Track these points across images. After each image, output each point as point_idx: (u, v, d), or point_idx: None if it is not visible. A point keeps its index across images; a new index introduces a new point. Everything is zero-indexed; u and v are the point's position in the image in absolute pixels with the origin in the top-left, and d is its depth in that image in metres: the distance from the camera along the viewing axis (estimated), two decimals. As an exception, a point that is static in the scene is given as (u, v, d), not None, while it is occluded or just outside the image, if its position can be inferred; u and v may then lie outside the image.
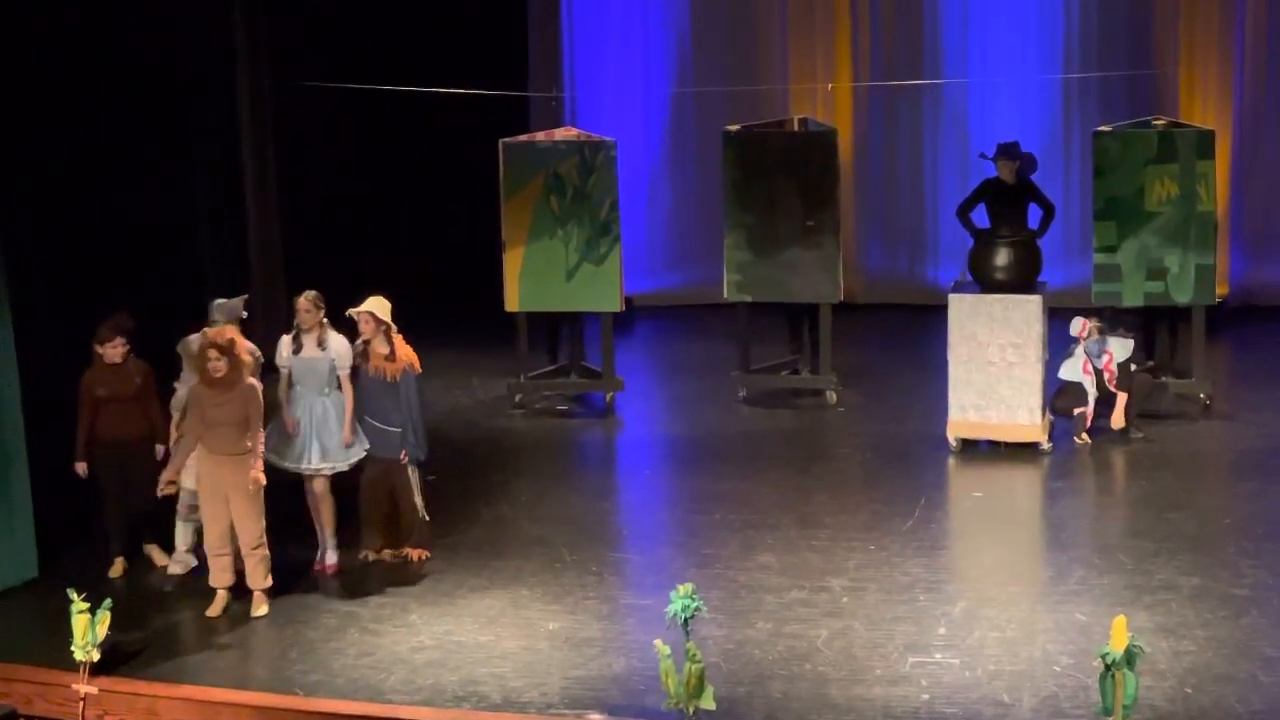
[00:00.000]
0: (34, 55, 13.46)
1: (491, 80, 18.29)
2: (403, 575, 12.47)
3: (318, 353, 12.30)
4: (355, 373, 12.39)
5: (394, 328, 12.40)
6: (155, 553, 12.73)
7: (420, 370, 12.55)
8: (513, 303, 16.43)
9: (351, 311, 12.38)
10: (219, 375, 11.65)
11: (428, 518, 12.69)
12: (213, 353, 11.63)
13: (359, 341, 12.42)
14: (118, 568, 12.50)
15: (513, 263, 16.32)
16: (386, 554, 12.74)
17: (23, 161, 13.02)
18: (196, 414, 11.82)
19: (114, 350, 12.24)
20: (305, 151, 18.31)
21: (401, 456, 12.49)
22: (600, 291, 16.29)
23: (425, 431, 12.63)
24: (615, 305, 16.37)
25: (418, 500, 12.63)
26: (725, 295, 16.61)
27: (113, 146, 14.65)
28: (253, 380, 11.86)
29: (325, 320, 12.39)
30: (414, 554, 12.69)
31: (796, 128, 16.88)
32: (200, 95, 16.03)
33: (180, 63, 15.72)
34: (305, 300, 12.40)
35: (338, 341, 12.39)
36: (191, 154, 15.93)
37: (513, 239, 16.29)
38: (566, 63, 20.85)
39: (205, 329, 12.18)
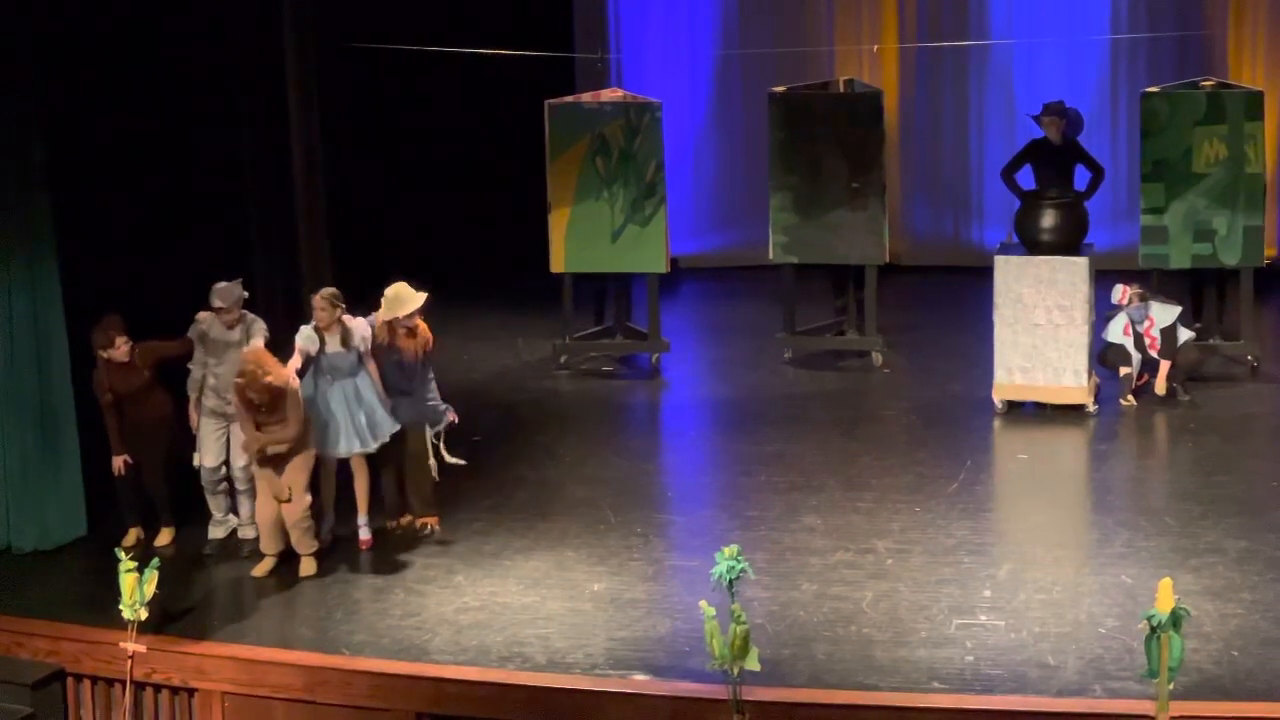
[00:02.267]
0: (72, 21, 13.42)
1: (537, 42, 18.24)
2: (447, 537, 12.46)
3: (341, 349, 12.23)
4: (375, 350, 12.37)
5: (416, 318, 12.35)
6: (165, 533, 12.67)
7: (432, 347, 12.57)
8: (558, 264, 16.40)
9: (376, 315, 12.33)
10: (263, 401, 11.71)
11: (437, 478, 12.61)
12: (254, 393, 11.68)
13: (389, 337, 12.33)
14: (131, 537, 12.47)
15: (558, 224, 16.29)
16: (404, 521, 12.69)
17: (67, 128, 13.00)
18: (248, 423, 11.86)
19: (119, 352, 12.18)
20: (350, 114, 18.27)
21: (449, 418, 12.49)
22: (646, 253, 16.24)
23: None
24: (661, 267, 16.32)
25: (432, 462, 12.55)
26: (771, 257, 16.54)
27: (154, 108, 14.63)
28: (289, 376, 11.88)
29: (343, 317, 12.25)
30: (426, 521, 12.58)
31: (842, 89, 16.79)
32: (246, 57, 15.97)
33: (225, 25, 15.66)
34: (321, 300, 12.23)
35: (359, 328, 12.29)
36: (237, 118, 15.87)
37: (558, 200, 16.26)
38: (612, 24, 20.76)
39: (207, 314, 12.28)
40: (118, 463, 12.38)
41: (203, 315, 12.37)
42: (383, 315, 12.29)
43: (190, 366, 12.42)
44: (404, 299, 12.27)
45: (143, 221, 14.22)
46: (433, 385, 12.63)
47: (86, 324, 12.28)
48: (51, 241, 12.41)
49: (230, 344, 12.28)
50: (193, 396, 12.44)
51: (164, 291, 13.19)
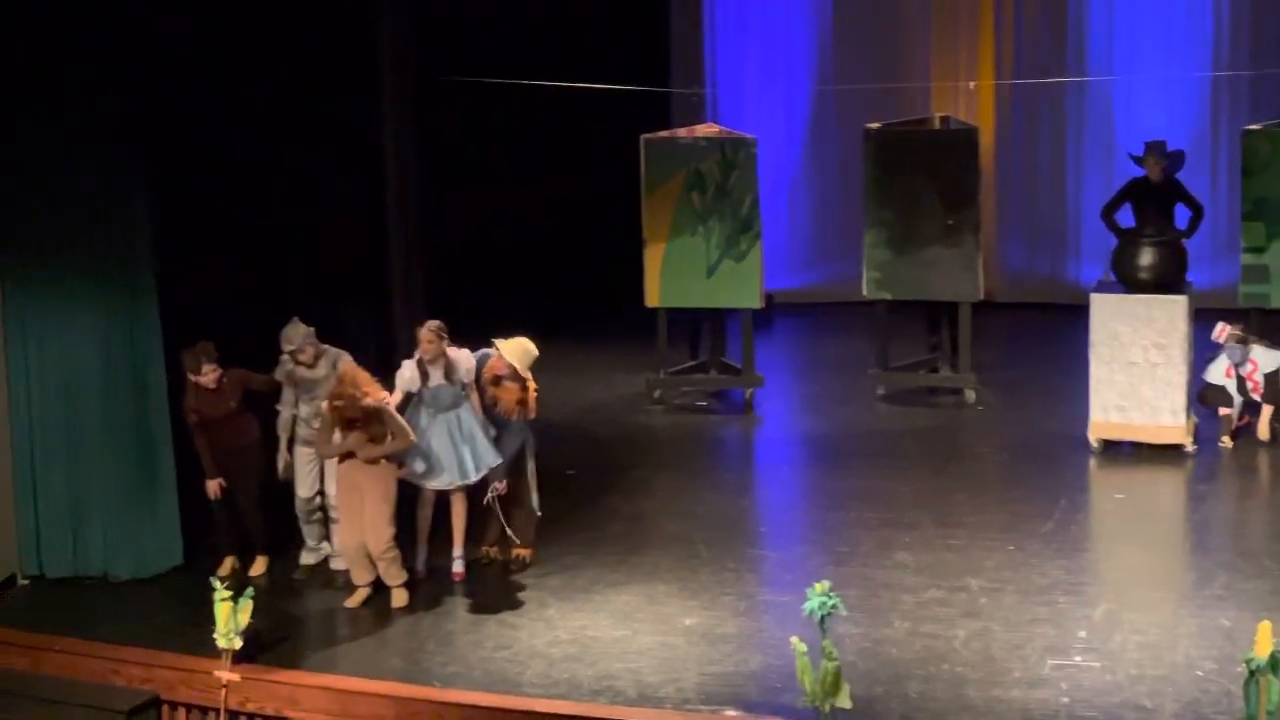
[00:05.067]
0: (169, 47, 13.52)
1: (634, 76, 18.28)
2: (540, 571, 12.47)
3: (445, 382, 12.23)
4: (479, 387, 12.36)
5: (530, 380, 12.28)
6: (259, 562, 12.71)
7: (535, 416, 12.51)
8: (653, 298, 16.41)
9: (497, 343, 12.28)
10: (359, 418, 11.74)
11: (540, 513, 12.66)
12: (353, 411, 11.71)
13: (491, 375, 12.30)
14: (226, 566, 12.53)
15: (654, 259, 16.30)
16: (496, 551, 12.71)
17: (165, 163, 13.13)
18: (326, 437, 11.89)
19: (207, 379, 12.22)
20: (447, 147, 18.37)
21: (498, 488, 12.46)
22: (740, 288, 16.23)
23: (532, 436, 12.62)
24: (755, 302, 16.30)
25: (534, 498, 12.60)
26: (865, 293, 16.51)
27: (253, 141, 14.74)
28: (383, 397, 11.86)
29: (446, 350, 12.26)
30: (520, 553, 12.63)
31: (938, 126, 16.75)
32: (342, 91, 16.09)
33: (323, 58, 15.78)
34: (428, 332, 12.22)
35: (463, 361, 12.29)
36: (334, 150, 15.99)
37: (654, 235, 16.27)
38: (708, 59, 20.81)
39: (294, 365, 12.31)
40: (212, 486, 12.42)
41: (286, 356, 12.42)
42: (509, 355, 12.20)
43: (279, 408, 12.48)
44: (527, 357, 12.27)
45: (239, 256, 14.34)
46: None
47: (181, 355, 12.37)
48: (151, 274, 12.51)
49: (317, 380, 12.33)
50: (283, 437, 12.47)
51: (258, 323, 13.26)
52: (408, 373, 12.27)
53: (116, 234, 12.37)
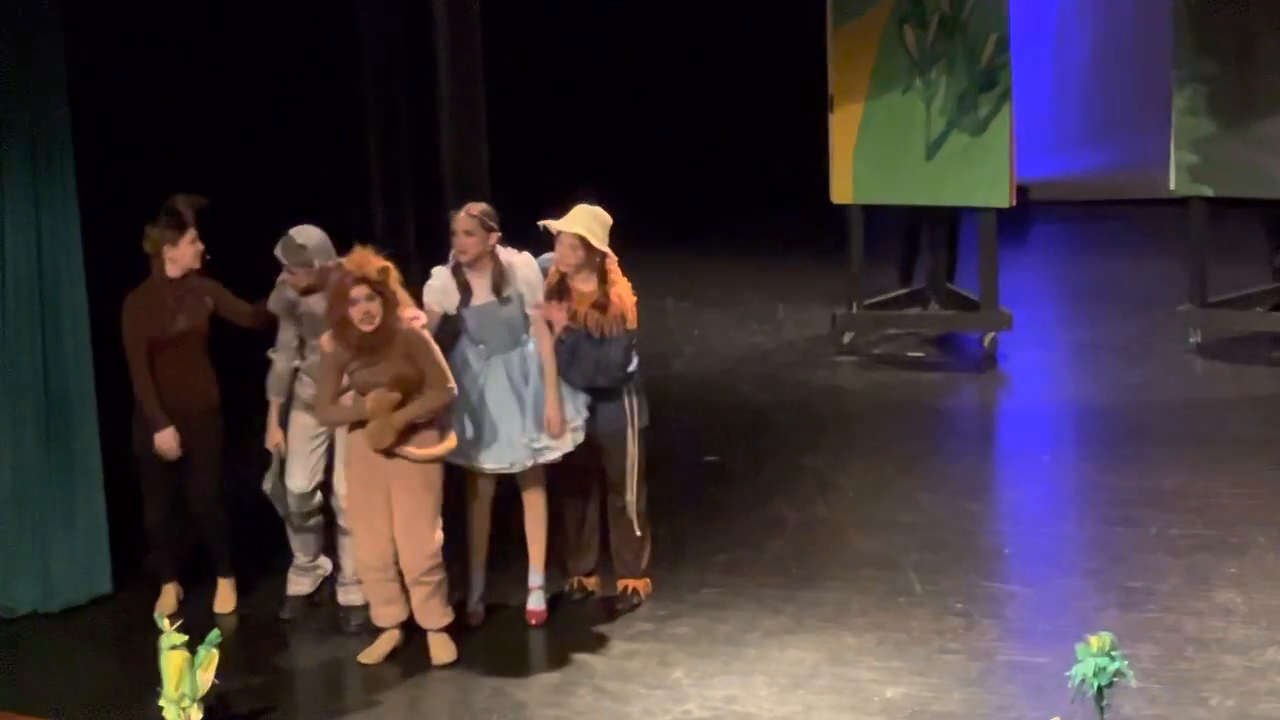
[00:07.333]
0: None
1: None
2: (660, 611, 12.45)
3: (493, 299, 11.92)
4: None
5: (611, 257, 12.01)
6: (224, 589, 12.71)
7: (637, 327, 12.21)
8: (843, 192, 16.38)
9: (551, 226, 11.92)
10: (371, 326, 11.30)
11: (640, 532, 12.51)
12: (359, 290, 11.21)
13: (553, 270, 12.01)
14: (169, 597, 12.54)
15: (844, 131, 16.25)
16: (593, 582, 12.66)
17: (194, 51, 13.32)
18: (330, 388, 11.63)
19: (184, 251, 12.11)
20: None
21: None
22: (979, 177, 16.17)
23: (644, 401, 12.42)
24: (1002, 199, 16.25)
25: (631, 500, 12.38)
26: (1172, 187, 16.47)
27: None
28: (413, 316, 11.55)
29: (496, 249, 11.92)
30: (630, 585, 12.56)
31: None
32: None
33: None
34: (465, 219, 11.86)
35: (520, 268, 11.96)
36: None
37: (845, 94, 16.23)
38: None
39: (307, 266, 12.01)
40: (167, 439, 12.24)
41: (284, 277, 12.17)
42: (570, 228, 11.81)
43: (271, 355, 12.32)
44: (598, 225, 11.92)
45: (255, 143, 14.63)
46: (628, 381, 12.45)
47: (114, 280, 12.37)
48: (68, 150, 12.49)
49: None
50: (274, 402, 12.35)
51: (260, 235, 13.13)
52: (438, 282, 11.95)
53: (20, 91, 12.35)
